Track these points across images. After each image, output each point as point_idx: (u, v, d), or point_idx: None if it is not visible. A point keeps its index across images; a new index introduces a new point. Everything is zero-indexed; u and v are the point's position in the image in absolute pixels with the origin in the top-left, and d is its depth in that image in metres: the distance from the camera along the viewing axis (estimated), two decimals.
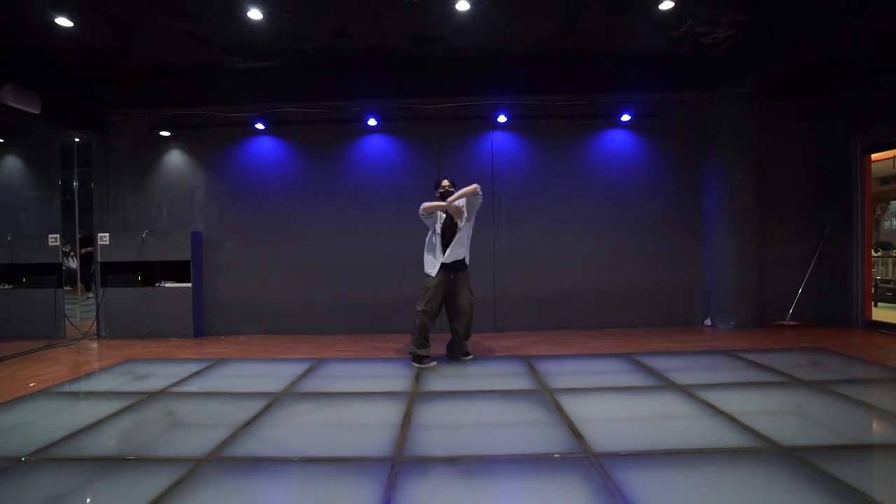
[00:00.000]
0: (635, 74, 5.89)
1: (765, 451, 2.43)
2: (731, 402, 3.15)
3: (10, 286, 6.14)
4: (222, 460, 2.47)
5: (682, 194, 6.14)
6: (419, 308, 4.19)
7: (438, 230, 4.24)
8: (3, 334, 5.95)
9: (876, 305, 6.31)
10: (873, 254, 6.29)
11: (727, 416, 2.90)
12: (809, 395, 3.31)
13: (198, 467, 2.37)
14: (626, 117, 6.04)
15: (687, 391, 3.41)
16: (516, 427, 2.88)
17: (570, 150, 6.15)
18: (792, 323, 5.94)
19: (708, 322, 6.05)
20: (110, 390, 3.81)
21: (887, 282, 7.67)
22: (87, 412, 3.29)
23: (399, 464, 2.37)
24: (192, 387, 3.81)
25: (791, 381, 3.62)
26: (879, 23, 4.28)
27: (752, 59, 5.38)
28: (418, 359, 4.22)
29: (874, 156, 5.72)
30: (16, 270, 6.14)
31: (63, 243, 6.20)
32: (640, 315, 6.07)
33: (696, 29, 5.19)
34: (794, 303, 5.98)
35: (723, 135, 5.87)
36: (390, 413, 3.10)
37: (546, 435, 2.72)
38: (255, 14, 4.55)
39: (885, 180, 8.97)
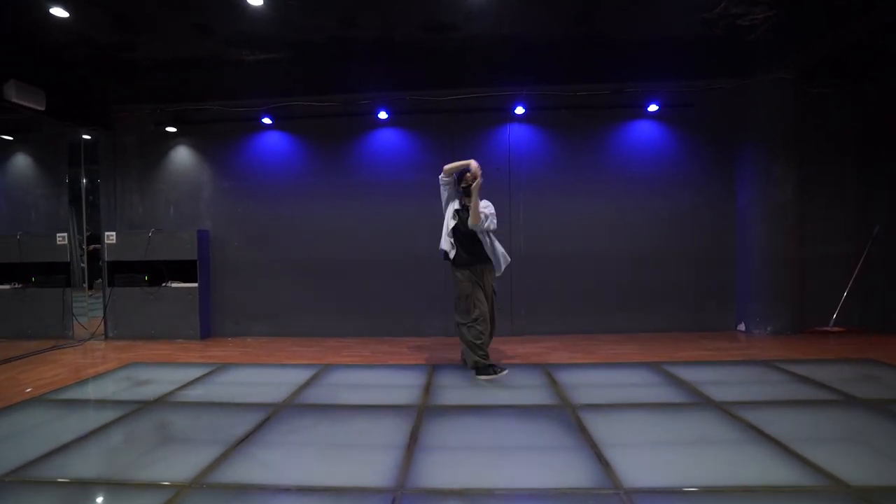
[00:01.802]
0: (663, 61, 5.47)
1: (830, 493, 2.08)
2: (779, 424, 2.79)
3: (19, 285, 6.08)
4: (207, 487, 2.23)
5: (715, 189, 5.71)
6: (465, 320, 3.81)
7: (451, 224, 3.83)
8: (12, 334, 5.90)
9: None
10: None
11: (776, 443, 2.55)
12: (868, 418, 2.93)
13: (179, 495, 2.14)
14: (653, 107, 5.63)
15: (726, 409, 3.06)
16: (535, 452, 2.58)
17: (593, 142, 5.77)
18: (836, 329, 5.48)
19: (742, 327, 5.62)
20: (106, 398, 3.64)
21: None
22: (76, 424, 3.10)
23: (401, 497, 2.10)
24: (190, 395, 3.61)
25: (844, 399, 3.23)
26: None
27: (793, 40, 4.91)
28: (486, 369, 3.79)
29: None
30: (25, 269, 6.07)
31: (80, 241, 6.11)
32: (667, 319, 5.68)
33: (731, 10, 4.75)
34: (839, 307, 5.51)
35: (759, 124, 5.42)
36: (396, 431, 2.83)
37: (569, 462, 2.41)
38: (255, 0, 4.30)
39: None
